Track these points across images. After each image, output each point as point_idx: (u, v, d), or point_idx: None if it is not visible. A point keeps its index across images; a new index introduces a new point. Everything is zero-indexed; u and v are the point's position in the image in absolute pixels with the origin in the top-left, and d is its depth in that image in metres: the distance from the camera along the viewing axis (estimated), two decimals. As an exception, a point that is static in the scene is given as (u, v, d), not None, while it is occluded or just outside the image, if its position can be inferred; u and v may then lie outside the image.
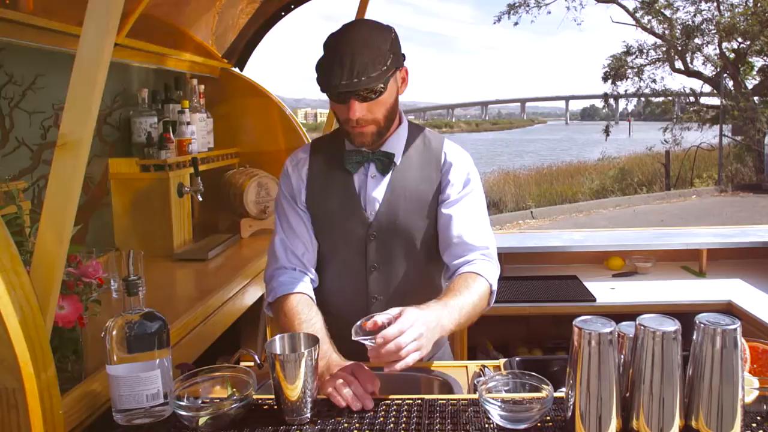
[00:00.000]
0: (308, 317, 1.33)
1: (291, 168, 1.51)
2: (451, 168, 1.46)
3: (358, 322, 1.14)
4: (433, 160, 1.47)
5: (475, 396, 1.15)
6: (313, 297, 1.43)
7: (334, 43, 1.31)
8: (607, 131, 17.47)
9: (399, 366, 1.09)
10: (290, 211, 1.48)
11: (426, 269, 1.50)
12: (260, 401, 1.19)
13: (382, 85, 1.31)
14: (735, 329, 0.95)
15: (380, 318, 1.13)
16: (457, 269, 1.42)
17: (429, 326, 1.14)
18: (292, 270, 1.45)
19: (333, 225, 1.47)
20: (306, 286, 1.43)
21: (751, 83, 14.32)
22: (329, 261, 1.51)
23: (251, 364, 1.37)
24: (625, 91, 15.99)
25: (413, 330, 1.10)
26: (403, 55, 1.39)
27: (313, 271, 1.49)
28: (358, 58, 1.26)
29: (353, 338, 1.11)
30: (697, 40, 14.31)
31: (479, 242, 1.43)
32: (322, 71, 1.31)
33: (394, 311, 1.14)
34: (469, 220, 1.44)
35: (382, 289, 1.46)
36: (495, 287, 1.41)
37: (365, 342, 1.10)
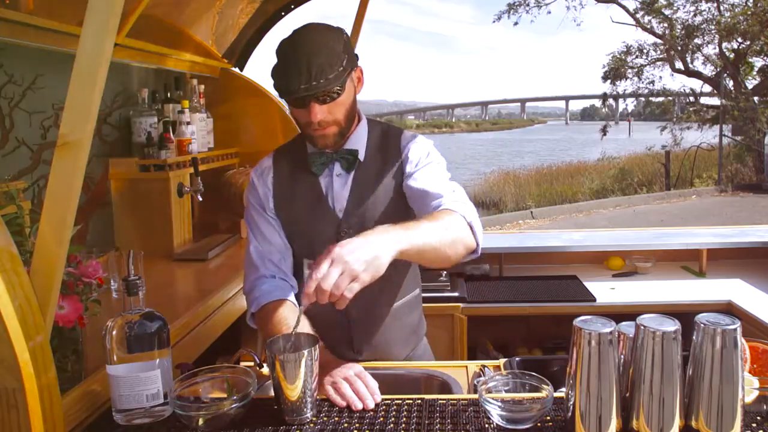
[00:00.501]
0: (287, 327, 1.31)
1: (256, 178, 1.52)
2: (408, 150, 1.46)
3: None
4: (393, 150, 1.48)
5: (475, 396, 1.15)
6: (296, 303, 1.42)
7: (289, 48, 1.31)
8: (604, 131, 17.48)
9: (339, 305, 1.04)
10: (260, 220, 1.49)
11: (399, 261, 1.49)
12: (260, 401, 1.19)
13: (339, 87, 1.32)
14: (735, 329, 0.95)
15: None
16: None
17: (359, 249, 1.05)
18: (272, 278, 1.45)
19: (304, 228, 1.47)
20: (288, 292, 1.44)
21: (751, 83, 14.33)
22: (303, 262, 1.51)
23: (251, 364, 1.37)
24: (625, 90, 16.00)
25: (335, 266, 1.03)
26: (356, 56, 1.40)
27: (292, 277, 1.49)
28: (315, 61, 1.27)
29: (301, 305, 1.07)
30: (697, 40, 14.32)
31: (444, 190, 1.37)
32: (279, 77, 1.31)
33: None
34: (431, 178, 1.40)
35: None
36: (475, 223, 1.30)
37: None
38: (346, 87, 1.35)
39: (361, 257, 1.04)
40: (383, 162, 1.47)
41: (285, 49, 1.32)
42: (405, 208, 1.46)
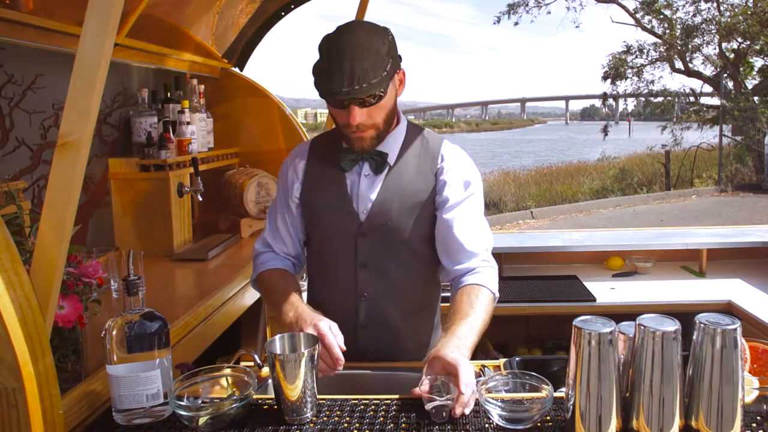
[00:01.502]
0: (285, 287, 1.41)
1: (289, 162, 1.54)
2: (448, 170, 1.45)
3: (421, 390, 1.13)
4: (429, 161, 1.46)
5: (475, 396, 1.15)
6: (293, 272, 1.53)
7: (333, 47, 1.29)
8: (605, 131, 17.47)
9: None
10: (280, 207, 1.53)
11: (415, 269, 1.50)
12: (260, 401, 1.19)
13: (381, 91, 1.31)
14: (735, 329, 0.95)
15: (430, 379, 1.14)
16: (459, 277, 1.42)
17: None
18: (275, 253, 1.55)
19: (324, 221, 1.48)
20: (285, 263, 1.53)
21: (751, 83, 14.33)
22: (320, 257, 1.53)
23: (251, 364, 1.37)
24: (625, 91, 15.99)
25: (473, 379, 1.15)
26: (400, 57, 1.38)
27: (297, 256, 1.57)
28: (358, 64, 1.25)
29: (427, 407, 1.10)
30: (696, 40, 14.31)
31: (479, 248, 1.43)
32: (320, 76, 1.29)
33: (433, 368, 1.17)
34: (469, 226, 1.43)
35: (371, 287, 1.46)
36: (497, 293, 1.43)
37: (442, 402, 1.10)
38: (388, 91, 1.34)
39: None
40: (417, 171, 1.45)
41: (329, 48, 1.29)
42: (430, 221, 1.46)
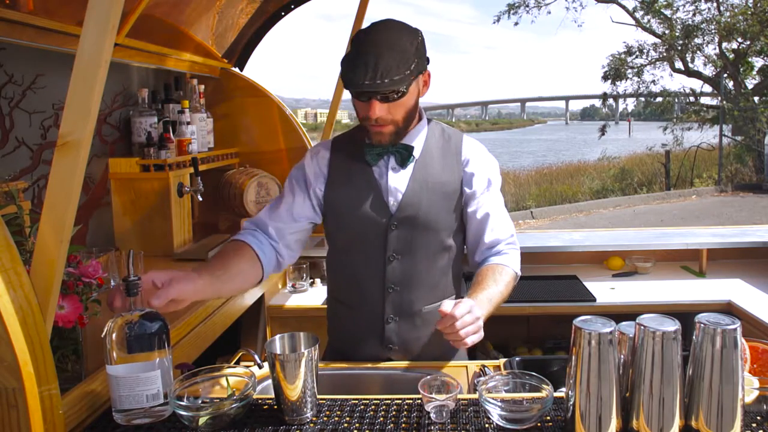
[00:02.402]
0: (226, 265, 1.37)
1: (310, 157, 1.55)
2: (472, 163, 1.52)
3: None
4: (453, 154, 1.52)
5: (475, 396, 1.15)
6: (264, 257, 1.46)
7: (362, 41, 1.34)
8: (602, 131, 17.46)
9: (470, 340, 1.24)
10: (290, 193, 1.53)
11: (442, 261, 1.52)
12: (260, 401, 1.19)
13: (404, 88, 1.34)
14: (735, 329, 0.95)
15: (430, 379, 1.15)
16: (485, 259, 1.52)
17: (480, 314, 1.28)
18: (261, 232, 1.51)
19: (354, 216, 1.49)
20: (261, 245, 1.47)
21: (751, 83, 14.33)
22: (348, 252, 1.53)
23: (251, 364, 1.37)
24: (625, 91, 15.99)
25: (471, 313, 1.24)
26: (428, 59, 1.42)
27: (283, 248, 1.51)
28: (383, 60, 1.29)
29: (427, 407, 1.10)
30: (696, 40, 14.31)
31: (505, 233, 1.54)
32: (346, 67, 1.34)
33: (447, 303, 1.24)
34: (495, 215, 1.52)
35: (399, 278, 1.49)
36: (519, 272, 1.53)
37: (441, 402, 1.10)
38: (410, 89, 1.37)
39: (481, 320, 1.29)
40: (442, 163, 1.50)
41: (359, 41, 1.35)
42: (458, 212, 1.52)
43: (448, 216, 1.50)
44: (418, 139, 1.50)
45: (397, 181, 1.47)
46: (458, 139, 1.54)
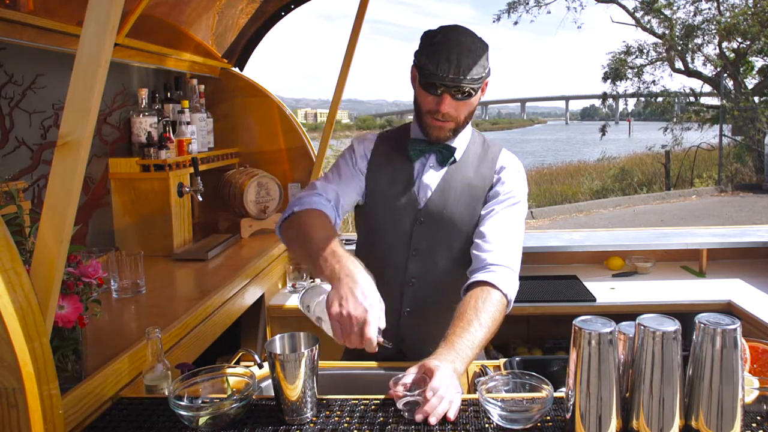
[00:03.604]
0: (325, 231, 1.28)
1: (357, 142, 1.60)
2: (505, 170, 1.54)
3: (396, 388, 1.12)
4: (488, 164, 1.55)
5: (475, 396, 1.15)
6: (332, 218, 1.41)
7: (442, 39, 1.39)
8: (603, 131, 17.47)
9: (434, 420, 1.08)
10: (345, 168, 1.55)
11: (463, 261, 1.53)
12: (260, 401, 1.19)
13: (476, 88, 1.41)
14: (735, 329, 0.95)
15: (407, 379, 1.14)
16: (473, 271, 1.43)
17: (452, 384, 1.13)
18: (326, 199, 1.45)
19: (385, 205, 1.53)
20: (329, 210, 1.42)
21: (751, 83, 14.33)
22: (373, 243, 1.56)
23: (251, 364, 1.37)
24: (625, 90, 16.00)
25: (451, 389, 1.11)
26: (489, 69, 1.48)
27: (339, 215, 1.48)
28: (465, 58, 1.37)
29: (399, 405, 1.10)
30: (697, 40, 14.31)
31: (502, 248, 1.44)
32: (428, 59, 1.38)
33: (412, 370, 1.15)
34: (502, 226, 1.47)
35: (420, 274, 1.51)
36: (511, 291, 1.40)
37: (410, 399, 1.09)
38: (478, 92, 1.44)
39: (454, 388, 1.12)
40: (477, 170, 1.54)
41: (438, 39, 1.40)
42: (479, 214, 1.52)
43: (472, 220, 1.52)
44: (461, 143, 1.55)
45: (431, 178, 1.52)
46: (497, 150, 1.58)
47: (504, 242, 1.45)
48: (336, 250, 1.19)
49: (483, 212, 1.51)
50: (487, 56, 1.44)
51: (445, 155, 1.51)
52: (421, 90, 1.44)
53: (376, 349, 1.09)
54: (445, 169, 1.52)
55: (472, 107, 1.46)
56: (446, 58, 1.36)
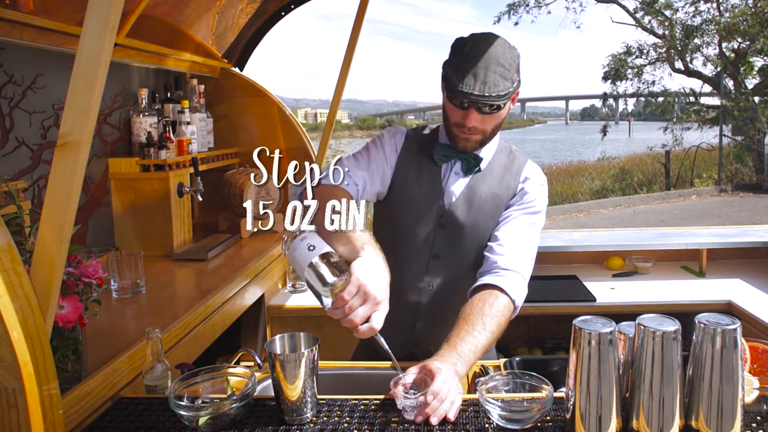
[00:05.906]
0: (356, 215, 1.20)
1: (388, 136, 1.57)
2: (529, 180, 1.53)
3: (396, 389, 1.11)
4: (513, 175, 1.54)
5: (475, 396, 1.15)
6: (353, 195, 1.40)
7: (470, 51, 1.36)
8: (604, 131, 17.47)
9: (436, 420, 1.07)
10: (374, 155, 1.51)
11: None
12: (260, 401, 1.19)
13: (504, 103, 1.38)
14: (735, 329, 0.95)
15: (408, 379, 1.14)
16: (481, 274, 1.42)
17: (454, 385, 1.13)
18: (354, 183, 1.44)
19: (410, 205, 1.51)
20: (356, 193, 1.41)
21: (751, 83, 14.33)
22: (392, 242, 1.50)
23: (251, 364, 1.37)
24: (625, 91, 16.00)
25: (452, 390, 1.11)
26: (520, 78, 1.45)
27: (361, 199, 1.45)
28: (491, 73, 1.34)
29: (399, 405, 1.10)
30: (696, 41, 14.31)
31: (514, 254, 1.43)
32: (454, 72, 1.36)
33: (413, 370, 1.15)
34: (516, 234, 1.46)
35: (438, 278, 1.51)
36: (519, 296, 1.39)
37: (412, 400, 1.09)
38: (507, 105, 1.41)
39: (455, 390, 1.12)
40: (500, 180, 1.53)
41: (466, 50, 1.37)
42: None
43: (492, 229, 1.51)
44: (488, 153, 1.53)
45: (456, 185, 1.51)
46: (522, 160, 1.57)
47: (517, 248, 1.45)
48: (360, 235, 1.14)
49: (500, 217, 1.51)
50: (518, 67, 1.41)
51: (471, 164, 1.50)
52: (448, 102, 1.42)
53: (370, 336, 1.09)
54: (469, 177, 1.51)
55: (500, 119, 1.44)
56: (473, 74, 1.34)
